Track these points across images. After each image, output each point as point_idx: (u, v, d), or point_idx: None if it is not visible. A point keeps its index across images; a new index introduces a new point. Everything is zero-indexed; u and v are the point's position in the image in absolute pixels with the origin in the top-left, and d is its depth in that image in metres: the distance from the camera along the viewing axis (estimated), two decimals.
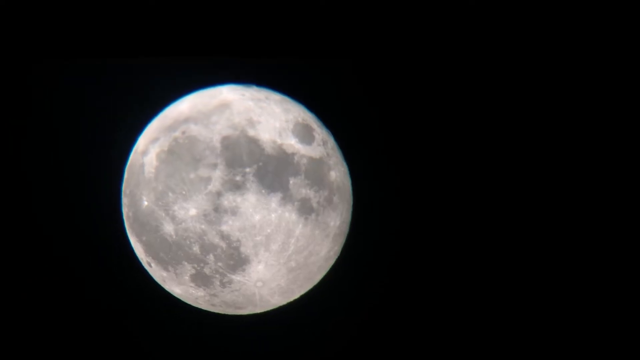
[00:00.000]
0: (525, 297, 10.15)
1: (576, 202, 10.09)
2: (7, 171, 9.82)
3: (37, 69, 9.76)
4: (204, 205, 7.92)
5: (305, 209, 8.18)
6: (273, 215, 7.99)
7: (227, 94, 8.47)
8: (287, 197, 8.03)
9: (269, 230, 8.01)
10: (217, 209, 7.90)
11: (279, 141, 8.12)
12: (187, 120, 8.26)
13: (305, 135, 8.37)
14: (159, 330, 10.05)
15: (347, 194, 8.84)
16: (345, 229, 8.93)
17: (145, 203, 8.26)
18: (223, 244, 8.02)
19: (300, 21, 9.60)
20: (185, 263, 8.25)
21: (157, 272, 8.70)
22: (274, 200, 7.96)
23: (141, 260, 8.86)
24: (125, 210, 8.78)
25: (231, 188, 7.86)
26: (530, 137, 10.05)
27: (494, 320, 10.21)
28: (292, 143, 8.19)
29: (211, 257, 8.11)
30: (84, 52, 9.55)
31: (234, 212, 7.90)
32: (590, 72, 9.94)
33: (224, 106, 8.27)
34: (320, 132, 8.61)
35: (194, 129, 8.12)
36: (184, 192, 7.95)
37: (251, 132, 8.07)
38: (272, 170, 7.96)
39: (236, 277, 8.22)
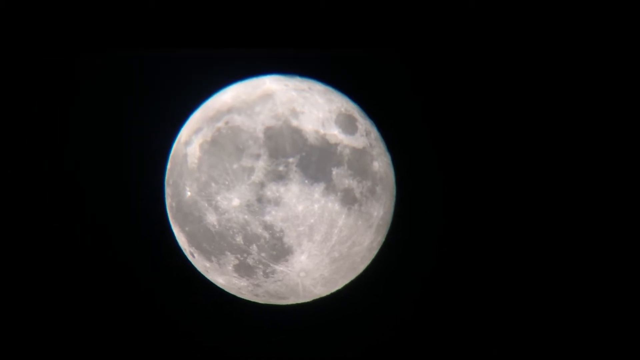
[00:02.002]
0: (572, 293, 10.07)
1: (622, 202, 10.00)
2: (52, 163, 9.90)
3: (81, 62, 9.82)
4: (247, 196, 7.92)
5: (348, 200, 8.15)
6: (316, 205, 7.97)
7: (271, 84, 8.47)
8: (330, 188, 8.00)
9: (312, 221, 8.00)
10: (260, 200, 7.90)
11: (322, 131, 8.10)
12: (230, 110, 8.26)
13: (348, 125, 8.35)
14: (202, 320, 10.10)
15: (390, 185, 8.80)
16: (389, 219, 8.90)
17: (189, 193, 8.28)
18: (266, 234, 8.02)
19: (344, 11, 9.57)
20: (228, 253, 8.26)
21: (200, 263, 8.73)
22: (317, 190, 7.94)
23: (184, 251, 8.89)
24: (168, 201, 8.82)
25: (274, 178, 7.86)
26: (577, 131, 9.96)
27: (536, 313, 10.13)
28: (335, 133, 8.16)
29: (254, 247, 8.11)
30: (128, 44, 9.59)
31: (277, 202, 7.89)
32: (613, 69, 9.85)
33: (267, 96, 8.27)
34: (363, 123, 8.58)
35: (237, 119, 8.13)
36: (227, 183, 7.96)
37: (294, 123, 8.06)
38: (315, 161, 7.94)
39: (279, 268, 8.22)
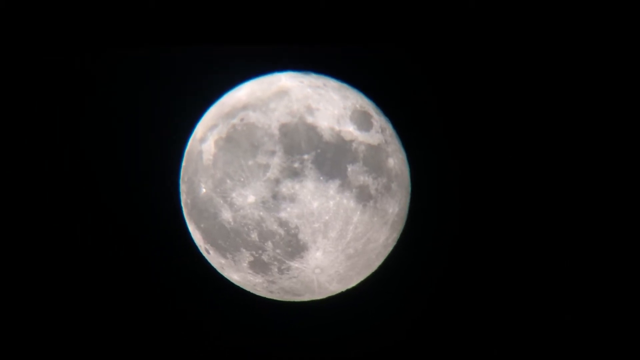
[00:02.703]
0: (589, 290, 10.04)
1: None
2: (67, 161, 9.92)
3: (96, 60, 9.85)
4: (262, 192, 7.92)
5: (364, 196, 8.14)
6: (331, 202, 7.96)
7: (286, 81, 8.46)
8: (345, 184, 8.00)
9: (327, 217, 7.99)
10: (276, 196, 7.90)
11: (337, 128, 8.09)
12: (245, 107, 8.26)
13: (363, 122, 8.34)
14: (217, 317, 10.11)
15: (405, 181, 8.79)
16: (404, 216, 8.88)
17: (204, 190, 8.29)
18: (281, 231, 8.02)
19: (360, 7, 9.55)
20: (244, 250, 8.26)
21: (215, 259, 8.73)
22: (332, 187, 7.94)
23: (199, 247, 8.90)
24: (183, 198, 8.83)
25: (289, 175, 7.86)
26: (594, 128, 9.92)
27: (550, 310, 10.10)
28: (350, 130, 8.16)
29: (269, 244, 8.11)
30: (143, 40, 9.60)
31: (292, 199, 7.89)
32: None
33: (283, 93, 8.26)
34: (379, 119, 8.57)
35: (252, 116, 8.13)
36: (242, 179, 7.96)
37: (309, 119, 8.05)
38: (330, 157, 7.94)
39: (294, 264, 8.22)
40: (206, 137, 8.40)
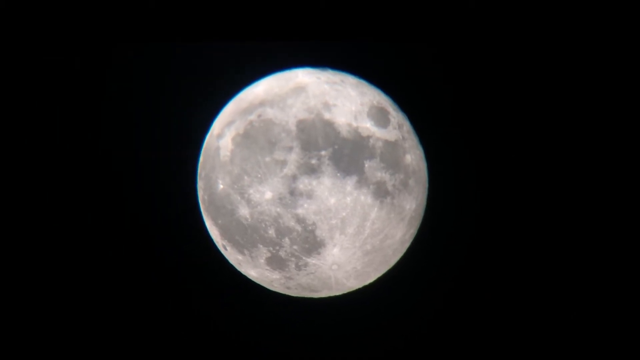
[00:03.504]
0: (610, 286, 10.01)
1: None
2: (85, 156, 9.95)
3: (115, 53, 9.87)
4: (279, 189, 7.92)
5: (381, 192, 8.14)
6: (348, 198, 7.96)
7: (303, 77, 8.46)
8: (362, 181, 7.99)
9: (344, 214, 7.99)
10: (293, 192, 7.90)
11: (354, 124, 8.08)
12: (262, 103, 8.27)
13: (380, 118, 8.33)
14: (234, 313, 10.13)
15: (422, 177, 8.78)
16: (421, 212, 8.87)
17: (221, 186, 8.30)
18: (298, 227, 8.03)
19: (376, 4, 9.54)
20: (261, 246, 8.27)
21: (232, 256, 8.75)
22: (350, 183, 7.93)
23: (217, 244, 8.92)
24: (200, 194, 8.85)
25: (306, 171, 7.86)
26: (614, 129, 9.89)
27: (568, 308, 10.08)
28: (367, 126, 8.15)
29: (287, 240, 8.12)
30: (161, 36, 9.62)
31: (309, 195, 7.89)
32: None
33: (300, 89, 8.26)
34: (396, 116, 8.56)
35: (270, 112, 8.13)
36: (259, 176, 7.96)
37: (327, 115, 8.05)
38: (348, 154, 7.93)
39: (311, 260, 8.22)
40: (223, 133, 8.41)
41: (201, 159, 8.86)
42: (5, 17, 9.47)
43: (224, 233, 8.56)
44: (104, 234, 10.07)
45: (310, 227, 8.02)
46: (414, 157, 8.58)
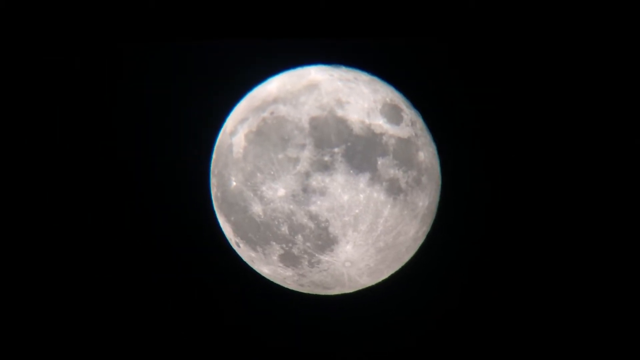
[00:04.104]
0: (628, 283, 9.98)
1: None
2: (97, 153, 9.98)
3: (126, 52, 9.89)
4: (292, 186, 7.93)
5: (394, 189, 8.13)
6: (361, 195, 7.96)
7: (316, 74, 8.46)
8: (375, 178, 7.99)
9: (357, 211, 7.99)
10: (306, 190, 7.91)
11: (367, 121, 8.08)
12: (275, 100, 8.27)
13: (393, 115, 8.32)
14: (247, 310, 10.14)
15: (435, 175, 8.77)
16: (434, 209, 8.86)
17: (234, 183, 8.30)
18: (311, 224, 8.03)
19: (388, 0, 9.54)
20: (274, 243, 8.28)
21: (245, 253, 8.76)
22: (362, 180, 7.93)
23: (230, 241, 8.93)
24: (213, 191, 8.85)
25: (319, 168, 7.86)
26: (627, 121, 9.85)
27: (582, 308, 10.05)
28: (380, 123, 8.14)
29: (299, 237, 8.12)
30: (173, 34, 9.63)
31: (322, 192, 7.89)
32: None
33: (313, 86, 8.26)
34: (409, 113, 8.55)
35: (283, 110, 8.14)
36: (272, 173, 7.97)
37: (339, 113, 8.05)
38: (361, 151, 7.93)
39: (324, 258, 8.22)
40: (236, 130, 8.42)
41: (214, 156, 8.87)
42: (15, 16, 9.50)
43: (237, 230, 8.57)
44: (116, 232, 10.09)
45: (323, 224, 8.02)
46: (427, 154, 8.56)
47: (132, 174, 10.05)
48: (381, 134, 8.10)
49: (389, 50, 9.63)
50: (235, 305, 10.14)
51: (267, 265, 8.64)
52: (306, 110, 8.06)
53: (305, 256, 8.25)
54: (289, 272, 8.55)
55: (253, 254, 8.62)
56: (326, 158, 7.85)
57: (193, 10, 9.58)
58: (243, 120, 8.41)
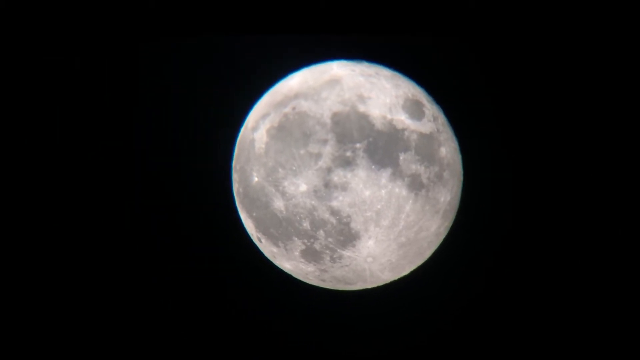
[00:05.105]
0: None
1: None
2: (119, 149, 10.01)
3: (149, 47, 9.92)
4: (314, 181, 7.94)
5: (416, 185, 8.13)
6: (383, 191, 7.96)
7: (338, 69, 8.46)
8: (397, 173, 7.99)
9: (379, 206, 7.99)
10: (328, 185, 7.91)
11: (389, 117, 8.08)
12: (297, 96, 8.28)
13: (415, 111, 8.32)
14: (269, 306, 10.16)
15: (457, 170, 8.76)
16: (456, 204, 8.85)
17: (256, 179, 8.32)
18: (333, 220, 8.04)
19: None
20: (296, 239, 8.29)
21: (267, 248, 8.78)
22: (384, 176, 7.93)
23: (251, 236, 8.95)
24: (235, 186, 8.88)
25: (341, 164, 7.86)
26: None
27: (604, 304, 10.02)
28: (402, 119, 8.14)
29: (321, 232, 8.13)
30: (195, 29, 9.66)
31: (344, 187, 7.90)
32: None
33: (335, 82, 8.26)
34: (431, 108, 8.54)
35: (304, 105, 8.15)
36: (294, 168, 7.98)
37: (361, 108, 8.05)
38: (382, 146, 7.93)
39: (346, 253, 8.23)
40: (258, 125, 8.44)
41: (236, 151, 8.89)
42: (33, 14, 9.56)
43: (259, 225, 8.59)
44: (139, 228, 10.13)
45: (345, 220, 8.02)
46: (448, 149, 8.55)
47: (155, 169, 10.09)
48: (403, 130, 8.10)
49: (411, 46, 9.62)
50: (256, 300, 10.16)
51: (289, 261, 8.66)
52: (328, 106, 8.06)
53: (327, 251, 8.26)
54: (310, 268, 8.57)
55: (275, 250, 8.64)
56: (348, 153, 7.85)
57: (214, 6, 9.60)
58: (265, 116, 8.43)
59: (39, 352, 10.04)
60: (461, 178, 8.90)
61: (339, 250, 8.22)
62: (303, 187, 7.99)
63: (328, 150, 7.88)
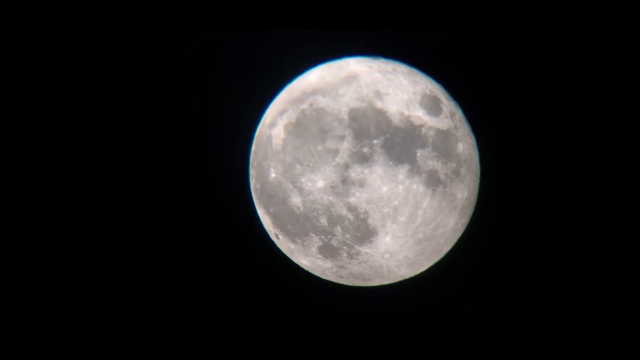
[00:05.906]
0: None
1: None
2: (138, 144, 10.04)
3: (167, 43, 9.94)
4: (331, 177, 7.94)
5: (433, 181, 8.11)
6: (400, 187, 7.95)
7: (355, 65, 8.45)
8: (414, 169, 7.98)
9: (396, 202, 7.98)
10: (345, 181, 7.91)
11: (406, 113, 8.07)
12: (314, 92, 8.28)
13: (432, 107, 8.30)
14: (286, 301, 10.17)
15: (474, 166, 8.74)
16: (473, 200, 8.83)
17: (273, 175, 8.33)
18: (350, 216, 8.04)
19: None
20: (313, 235, 8.30)
21: (284, 244, 8.78)
22: (402, 172, 7.93)
23: (269, 232, 8.96)
24: (253, 182, 8.88)
25: (359, 160, 7.86)
26: None
27: (621, 299, 9.98)
28: (419, 115, 8.13)
29: (338, 229, 8.13)
30: (215, 26, 9.67)
31: (361, 183, 7.90)
32: None
33: (352, 78, 8.26)
34: (448, 104, 8.52)
35: (322, 101, 8.14)
36: (311, 164, 7.98)
37: (379, 104, 8.04)
38: (400, 142, 7.92)
39: (363, 249, 8.23)
40: (276, 122, 8.44)
41: (253, 147, 8.90)
42: (57, 8, 9.60)
43: (276, 222, 8.60)
44: (156, 223, 10.16)
45: (362, 216, 8.02)
46: (466, 145, 8.54)
47: (172, 165, 10.11)
48: (420, 126, 8.09)
49: (428, 43, 9.61)
50: (274, 297, 10.18)
51: (307, 257, 8.66)
52: (345, 102, 8.06)
53: (345, 248, 8.26)
54: (328, 264, 8.57)
55: (292, 246, 8.65)
56: (365, 149, 7.85)
57: (232, 2, 9.61)
58: (282, 112, 8.43)
59: (59, 349, 10.11)
60: (478, 174, 8.87)
61: (356, 247, 8.22)
62: (320, 183, 7.99)
63: (345, 146, 7.88)
